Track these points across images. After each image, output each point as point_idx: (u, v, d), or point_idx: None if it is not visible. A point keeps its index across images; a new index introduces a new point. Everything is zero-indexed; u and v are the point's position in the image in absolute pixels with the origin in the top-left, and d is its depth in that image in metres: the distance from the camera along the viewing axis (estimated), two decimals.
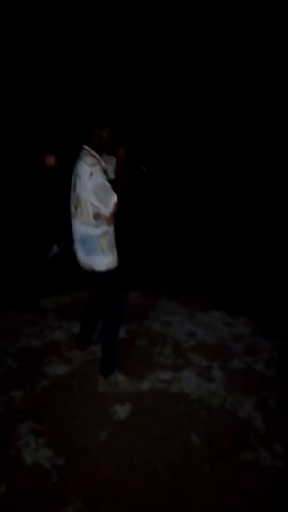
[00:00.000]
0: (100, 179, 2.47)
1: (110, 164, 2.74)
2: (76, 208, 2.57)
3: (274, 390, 2.89)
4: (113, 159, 2.76)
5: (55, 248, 5.58)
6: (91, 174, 2.45)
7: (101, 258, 2.63)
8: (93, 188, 2.46)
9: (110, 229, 2.65)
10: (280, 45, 6.54)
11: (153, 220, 6.84)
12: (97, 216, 2.54)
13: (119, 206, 2.55)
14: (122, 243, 2.85)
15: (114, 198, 2.51)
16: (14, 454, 2.34)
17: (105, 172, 2.57)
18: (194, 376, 3.03)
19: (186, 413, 2.68)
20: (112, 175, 2.72)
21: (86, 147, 2.59)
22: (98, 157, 2.57)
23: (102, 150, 2.62)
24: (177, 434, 2.50)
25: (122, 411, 2.68)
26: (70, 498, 2.08)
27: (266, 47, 6.70)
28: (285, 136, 7.06)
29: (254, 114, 7.38)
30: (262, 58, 6.84)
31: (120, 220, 2.85)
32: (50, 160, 5.08)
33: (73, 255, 5.29)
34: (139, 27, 7.32)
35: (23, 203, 7.21)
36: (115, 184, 2.60)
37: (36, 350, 3.33)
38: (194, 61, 7.50)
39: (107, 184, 2.49)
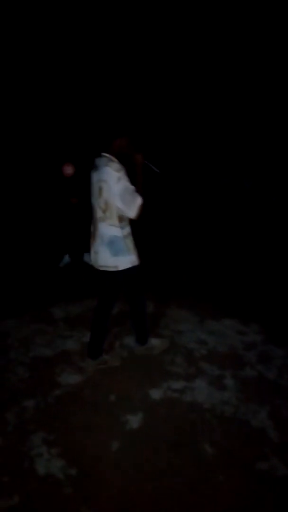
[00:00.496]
0: (126, 183, 2.69)
1: None
2: (104, 212, 2.77)
3: (287, 399, 2.85)
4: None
5: (66, 258, 5.61)
6: (119, 178, 2.66)
7: (126, 257, 2.86)
8: (120, 192, 2.67)
9: (130, 229, 2.89)
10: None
11: (163, 227, 6.85)
12: (121, 218, 2.78)
13: (142, 209, 2.76)
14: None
15: (139, 201, 2.73)
16: (26, 464, 2.34)
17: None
18: (206, 385, 3.01)
19: (199, 422, 2.66)
20: None
21: (107, 155, 2.77)
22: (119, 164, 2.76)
23: (121, 157, 2.80)
24: (190, 444, 2.48)
25: (134, 420, 2.67)
26: (83, 509, 2.07)
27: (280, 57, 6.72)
28: None
29: (264, 123, 7.39)
30: (277, 71, 6.86)
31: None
32: (68, 169, 5.13)
33: (84, 265, 5.32)
34: (150, 39, 7.41)
35: (37, 212, 7.29)
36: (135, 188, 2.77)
37: (48, 359, 3.35)
38: (208, 73, 7.55)
39: (132, 187, 2.69)
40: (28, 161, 7.75)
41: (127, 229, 2.86)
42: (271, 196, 7.40)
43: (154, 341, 3.41)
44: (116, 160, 2.76)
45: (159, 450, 2.44)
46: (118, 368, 3.21)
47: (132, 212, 2.73)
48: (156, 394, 2.92)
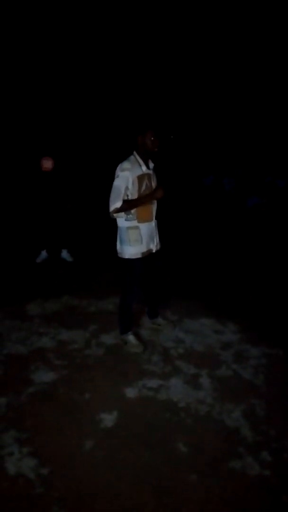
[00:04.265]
0: (118, 183, 2.86)
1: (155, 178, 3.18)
2: None
3: (262, 398, 2.87)
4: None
5: (43, 253, 5.53)
6: (117, 176, 2.89)
7: (127, 247, 3.06)
8: (113, 185, 2.90)
9: (143, 225, 3.04)
10: None
11: None
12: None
13: (116, 213, 2.93)
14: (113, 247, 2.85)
15: (117, 204, 2.87)
16: None
17: (144, 178, 2.95)
18: (181, 383, 3.00)
19: (173, 421, 2.64)
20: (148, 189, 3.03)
21: (134, 153, 3.00)
22: (141, 162, 2.94)
23: (146, 154, 3.00)
24: (164, 443, 2.46)
25: (108, 419, 2.64)
26: (55, 509, 2.03)
27: None
28: None
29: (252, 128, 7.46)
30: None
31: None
32: (47, 163, 5.04)
33: (61, 261, 5.26)
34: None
35: (14, 206, 7.15)
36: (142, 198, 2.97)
37: (22, 356, 3.28)
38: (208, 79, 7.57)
39: (121, 190, 2.84)
40: (5, 154, 7.59)
41: (133, 223, 3.00)
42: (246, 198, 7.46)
43: (130, 338, 3.41)
44: (138, 158, 2.96)
45: (133, 449, 2.41)
46: (94, 366, 3.18)
47: (109, 207, 2.91)
48: (131, 392, 2.89)
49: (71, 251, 5.62)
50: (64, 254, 5.55)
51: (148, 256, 3.20)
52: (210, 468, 2.30)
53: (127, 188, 2.90)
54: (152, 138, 2.93)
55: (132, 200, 2.92)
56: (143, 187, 2.97)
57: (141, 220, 3.03)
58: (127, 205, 2.90)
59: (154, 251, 3.23)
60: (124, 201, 2.89)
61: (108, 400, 2.81)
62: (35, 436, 2.48)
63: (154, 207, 3.16)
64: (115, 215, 2.95)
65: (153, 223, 3.17)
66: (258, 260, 5.79)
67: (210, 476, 2.25)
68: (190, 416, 2.69)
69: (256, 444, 2.47)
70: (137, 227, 3.03)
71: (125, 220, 3.01)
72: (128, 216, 2.99)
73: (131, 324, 3.46)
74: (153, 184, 3.11)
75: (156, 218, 3.22)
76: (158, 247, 3.30)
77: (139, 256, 3.11)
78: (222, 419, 2.67)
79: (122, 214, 2.96)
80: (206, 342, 3.56)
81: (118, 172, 2.89)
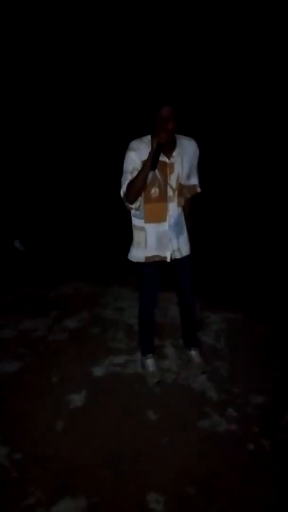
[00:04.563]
0: (125, 165, 2.37)
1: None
2: None
3: (224, 360, 2.98)
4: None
5: (16, 243, 5.39)
6: (125, 157, 2.38)
7: (132, 249, 2.61)
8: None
9: (151, 227, 2.49)
10: None
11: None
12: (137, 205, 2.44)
13: (133, 193, 2.34)
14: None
15: (123, 188, 2.38)
16: None
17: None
18: None
19: (142, 393, 2.71)
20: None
21: (150, 136, 2.36)
22: (148, 142, 2.32)
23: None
24: (134, 415, 2.52)
25: (77, 399, 2.65)
26: (31, 490, 2.04)
27: None
28: None
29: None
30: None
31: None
32: None
33: (15, 251, 5.11)
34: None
35: None
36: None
37: None
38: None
39: (127, 174, 2.35)
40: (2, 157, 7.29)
41: (139, 222, 2.50)
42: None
43: (148, 363, 2.90)
44: (145, 137, 2.37)
45: (105, 425, 2.45)
46: (59, 351, 3.17)
47: (121, 190, 2.42)
48: (98, 371, 2.92)
49: (23, 241, 5.51)
50: (17, 243, 5.43)
51: (166, 264, 2.66)
52: (180, 431, 2.39)
53: (134, 169, 2.35)
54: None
55: (135, 177, 2.34)
56: (150, 178, 2.37)
57: (149, 220, 2.48)
58: (130, 184, 2.34)
59: (168, 259, 2.61)
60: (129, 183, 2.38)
61: (76, 381, 2.82)
62: (5, 424, 2.47)
63: (171, 205, 2.49)
64: (129, 205, 2.43)
65: (167, 226, 2.51)
66: (218, 231, 5.90)
67: (181, 438, 2.34)
68: (158, 385, 2.76)
69: (222, 402, 2.58)
70: (142, 228, 2.51)
71: (134, 216, 2.54)
72: (136, 213, 2.49)
73: (151, 343, 2.96)
74: (169, 177, 2.44)
75: (179, 218, 2.59)
76: (179, 255, 2.65)
77: (142, 260, 2.59)
78: (189, 384, 2.77)
79: (134, 210, 2.49)
80: (168, 313, 3.63)
81: (127, 152, 2.38)
